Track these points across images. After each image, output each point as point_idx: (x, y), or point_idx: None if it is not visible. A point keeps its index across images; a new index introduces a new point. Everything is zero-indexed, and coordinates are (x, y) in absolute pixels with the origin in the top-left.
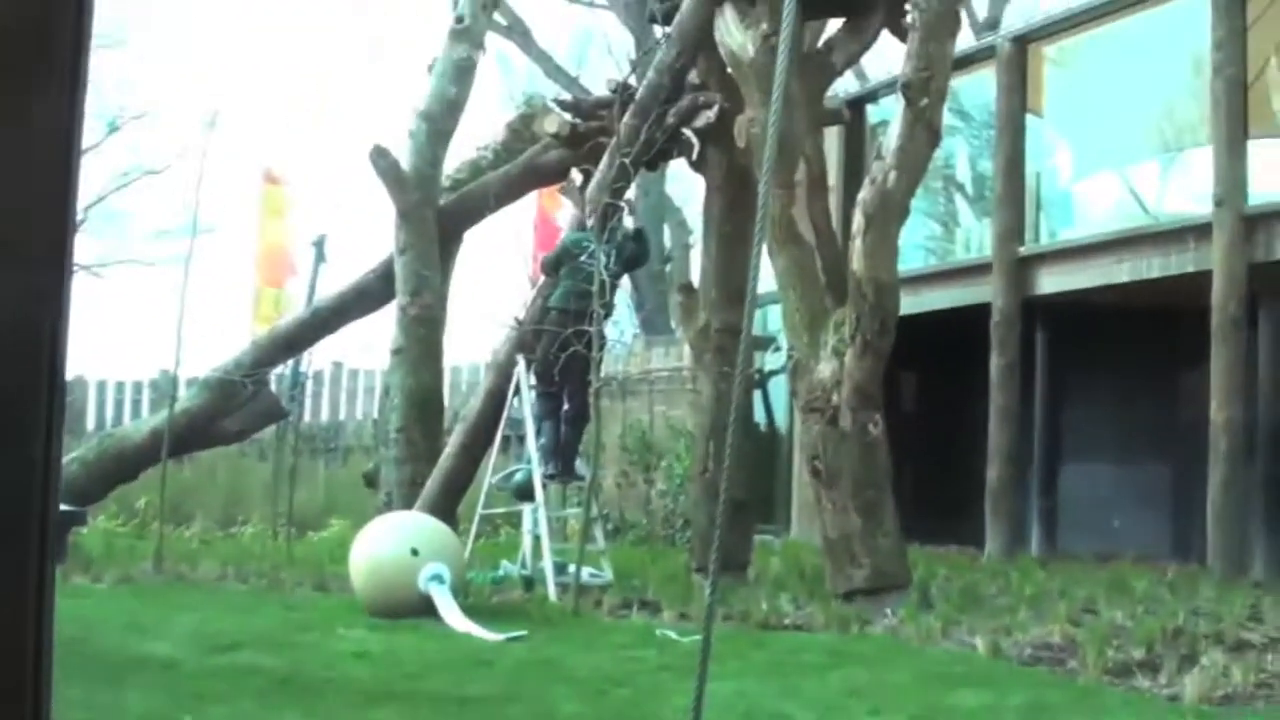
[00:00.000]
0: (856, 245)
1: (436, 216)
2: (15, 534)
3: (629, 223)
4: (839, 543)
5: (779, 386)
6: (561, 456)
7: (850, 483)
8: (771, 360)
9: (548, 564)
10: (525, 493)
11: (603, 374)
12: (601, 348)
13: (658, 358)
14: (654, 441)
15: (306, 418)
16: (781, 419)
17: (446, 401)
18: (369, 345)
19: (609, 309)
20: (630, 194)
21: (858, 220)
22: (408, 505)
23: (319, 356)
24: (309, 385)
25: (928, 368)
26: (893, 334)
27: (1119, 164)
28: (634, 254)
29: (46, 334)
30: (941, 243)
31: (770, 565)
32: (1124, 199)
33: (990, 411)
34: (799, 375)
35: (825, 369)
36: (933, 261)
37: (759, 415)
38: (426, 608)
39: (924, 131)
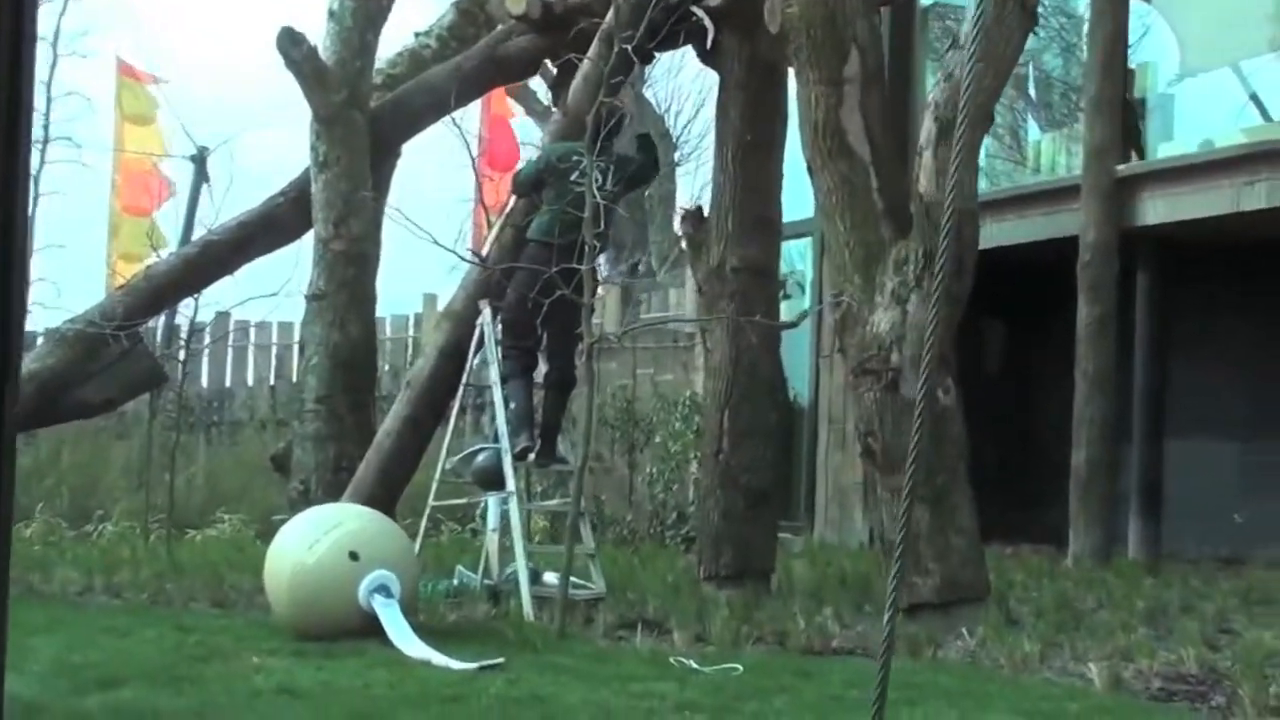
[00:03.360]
0: (925, 160)
1: (367, 123)
2: None
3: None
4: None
5: (798, 340)
6: (540, 432)
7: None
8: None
9: (521, 570)
10: (491, 478)
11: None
12: (595, 292)
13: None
14: (640, 414)
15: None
16: (802, 383)
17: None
18: (277, 289)
19: (605, 241)
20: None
21: (928, 128)
22: (332, 496)
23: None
24: (192, 342)
25: (993, 319)
26: (971, 274)
27: (1244, 56)
28: (640, 167)
29: None
30: (1004, 160)
31: (795, 572)
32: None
33: (1076, 375)
34: (848, 328)
35: (883, 320)
36: (994, 185)
37: None
38: (370, 628)
39: (1016, 11)
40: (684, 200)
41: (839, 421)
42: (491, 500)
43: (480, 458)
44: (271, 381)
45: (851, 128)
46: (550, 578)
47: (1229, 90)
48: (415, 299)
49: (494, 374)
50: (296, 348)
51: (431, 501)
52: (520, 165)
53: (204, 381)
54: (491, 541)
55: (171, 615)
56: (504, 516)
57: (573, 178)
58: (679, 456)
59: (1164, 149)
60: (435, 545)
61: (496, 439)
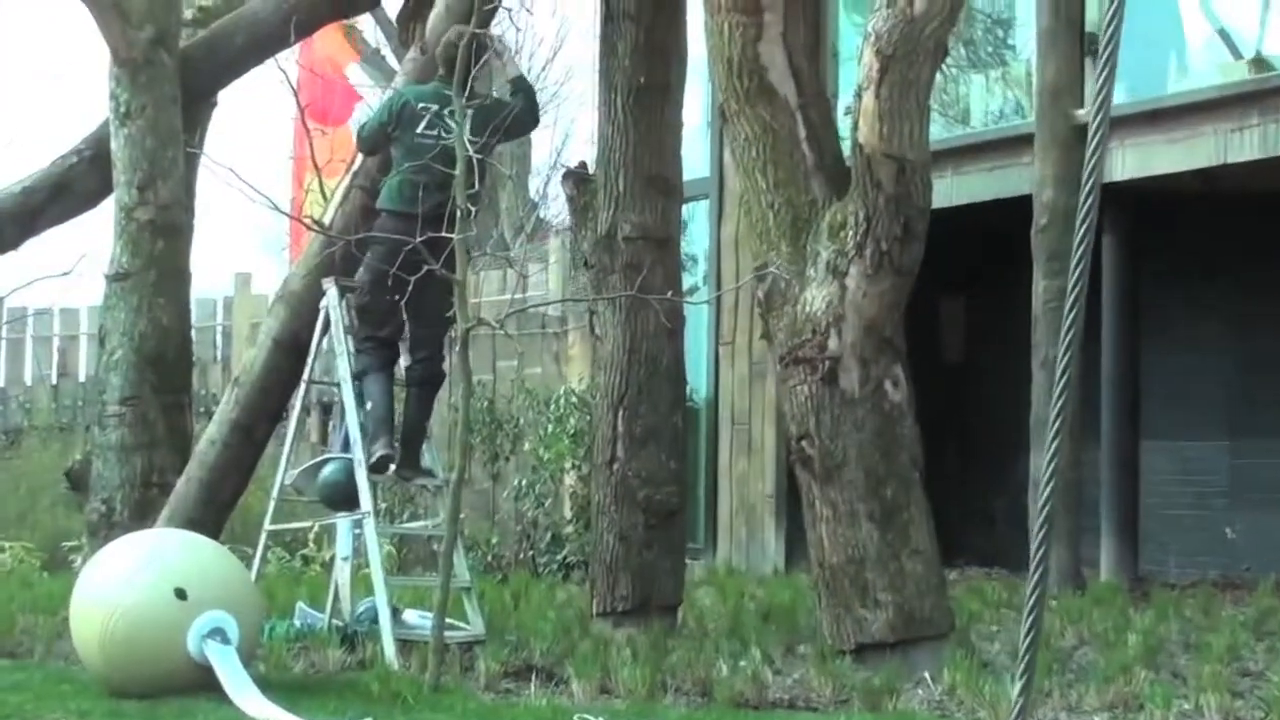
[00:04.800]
0: (866, 102)
1: (177, 66)
2: None
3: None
4: (844, 569)
5: (693, 324)
6: (400, 439)
7: (861, 475)
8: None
9: (382, 608)
10: (341, 496)
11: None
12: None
13: (491, 286)
14: (503, 415)
15: None
16: (698, 376)
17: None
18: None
19: (479, 205)
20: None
21: (869, 62)
22: (142, 519)
23: None
24: None
25: (929, 294)
26: (922, 241)
27: None
28: (518, 116)
29: None
30: (940, 105)
31: (702, 605)
32: (1243, 35)
33: (1033, 364)
34: (775, 307)
35: (817, 297)
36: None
37: None
38: (202, 681)
39: None
40: (540, 159)
41: (743, 421)
42: (342, 523)
43: (327, 470)
44: (54, 380)
45: (773, 64)
46: (413, 616)
47: (1196, 21)
48: (224, 280)
49: (343, 368)
50: (86, 338)
51: (268, 525)
52: (363, 115)
53: None
54: (342, 573)
55: None
56: (358, 540)
57: (419, 128)
58: (552, 466)
59: (1128, 91)
60: (262, 577)
61: (346, 448)
